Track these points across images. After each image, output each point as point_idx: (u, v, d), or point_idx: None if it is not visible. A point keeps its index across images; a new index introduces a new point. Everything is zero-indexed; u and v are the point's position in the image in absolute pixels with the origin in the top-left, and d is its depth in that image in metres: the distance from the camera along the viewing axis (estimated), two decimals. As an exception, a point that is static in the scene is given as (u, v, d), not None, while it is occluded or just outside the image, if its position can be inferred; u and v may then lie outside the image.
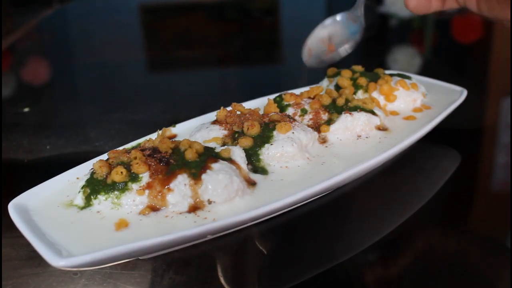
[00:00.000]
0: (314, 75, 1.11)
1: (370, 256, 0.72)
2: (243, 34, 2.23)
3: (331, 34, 0.94)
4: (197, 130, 0.86)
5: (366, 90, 0.99)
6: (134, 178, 0.68)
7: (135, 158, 0.70)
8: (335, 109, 0.89)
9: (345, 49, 0.93)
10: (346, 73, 1.03)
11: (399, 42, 2.00)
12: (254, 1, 2.85)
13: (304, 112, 0.90)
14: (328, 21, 0.95)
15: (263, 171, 0.77)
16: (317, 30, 0.96)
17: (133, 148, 0.76)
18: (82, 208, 0.69)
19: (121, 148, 0.81)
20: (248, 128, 0.80)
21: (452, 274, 0.69)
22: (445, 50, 1.80)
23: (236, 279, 0.68)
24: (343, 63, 1.04)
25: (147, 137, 0.85)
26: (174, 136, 0.91)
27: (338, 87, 1.00)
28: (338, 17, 0.95)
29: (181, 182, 0.68)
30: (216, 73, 1.75)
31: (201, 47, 2.05)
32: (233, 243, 0.73)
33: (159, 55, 2.00)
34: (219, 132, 0.83)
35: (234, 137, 0.82)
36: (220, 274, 0.68)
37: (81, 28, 2.49)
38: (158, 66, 1.87)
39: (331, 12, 0.95)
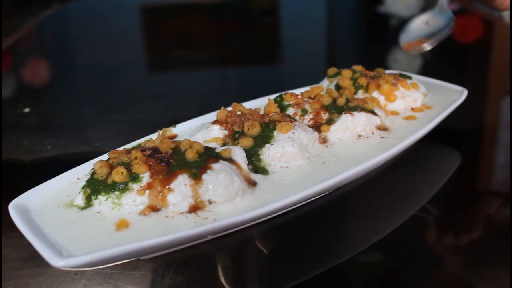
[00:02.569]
0: (314, 75, 1.11)
1: (370, 256, 0.72)
2: (243, 34, 2.23)
3: (425, 25, 0.99)
4: (198, 130, 0.86)
5: (366, 90, 0.99)
6: (135, 178, 0.68)
7: (136, 158, 0.70)
8: (336, 109, 0.89)
9: (437, 40, 0.97)
10: (347, 73, 1.03)
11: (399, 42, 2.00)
12: (254, 1, 2.85)
13: (304, 112, 0.90)
14: (423, 16, 1.01)
15: (263, 171, 0.77)
16: (415, 22, 1.02)
17: (133, 148, 0.76)
18: (83, 208, 0.69)
19: (121, 148, 0.81)
20: (248, 128, 0.80)
21: (451, 275, 0.69)
22: (445, 50, 1.80)
23: (237, 279, 0.68)
24: (343, 63, 1.04)
25: (148, 137, 0.85)
26: (175, 136, 0.91)
27: (338, 87, 1.00)
28: (428, 14, 1.01)
29: (182, 182, 0.68)
30: (216, 73, 1.75)
31: (201, 47, 2.05)
32: (234, 243, 0.73)
33: (159, 55, 2.00)
34: (220, 132, 0.84)
35: (234, 137, 0.82)
36: (220, 274, 0.68)
37: (81, 28, 2.49)
38: (158, 66, 1.87)
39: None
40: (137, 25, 2.52)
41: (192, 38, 2.19)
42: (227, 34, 2.27)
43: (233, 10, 2.73)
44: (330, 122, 0.88)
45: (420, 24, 1.01)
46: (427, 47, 0.98)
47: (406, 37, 1.01)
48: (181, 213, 0.67)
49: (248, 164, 0.77)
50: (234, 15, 2.64)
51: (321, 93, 0.95)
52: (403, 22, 2.12)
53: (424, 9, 2.32)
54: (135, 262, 0.70)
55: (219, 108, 0.88)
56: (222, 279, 0.67)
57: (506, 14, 2.09)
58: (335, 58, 1.88)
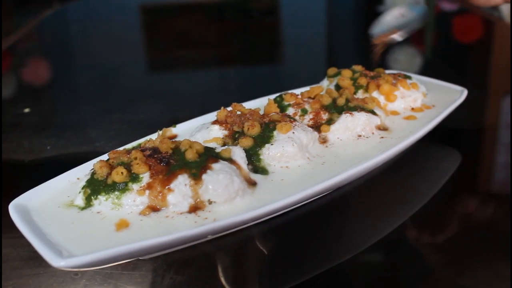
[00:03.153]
0: (314, 75, 1.11)
1: (370, 256, 0.72)
2: (243, 34, 2.23)
3: (399, 17, 0.98)
4: (198, 130, 0.86)
5: (366, 90, 0.99)
6: (135, 178, 0.68)
7: (136, 158, 0.70)
8: (336, 109, 0.89)
9: (408, 31, 0.96)
10: (347, 73, 1.03)
11: (399, 42, 2.00)
12: (254, 1, 2.85)
13: (304, 112, 0.90)
14: (396, 9, 1.00)
15: (263, 171, 0.77)
16: (387, 15, 1.00)
17: (133, 148, 0.76)
18: (83, 208, 0.69)
19: (121, 148, 0.81)
20: (248, 128, 0.80)
21: (452, 274, 0.69)
22: (445, 50, 1.80)
23: (237, 279, 0.68)
24: (343, 63, 1.04)
25: (148, 138, 0.85)
26: (175, 136, 0.91)
27: (338, 87, 1.00)
28: (402, 8, 1.00)
29: (182, 182, 0.68)
30: (216, 73, 1.75)
31: (201, 47, 2.05)
32: (234, 243, 0.73)
33: (159, 55, 2.01)
34: (220, 132, 0.84)
35: (234, 137, 0.82)
36: (220, 274, 0.68)
37: (81, 29, 2.49)
38: (158, 66, 1.87)
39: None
40: (137, 25, 2.52)
41: (192, 38, 2.19)
42: (227, 34, 2.27)
43: (233, 10, 2.73)
44: (330, 122, 0.88)
45: (392, 17, 1.01)
46: (397, 38, 0.98)
47: (378, 29, 1.01)
48: (181, 213, 0.67)
49: (248, 164, 0.77)
50: (234, 15, 2.64)
51: (321, 93, 0.95)
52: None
53: (424, 8, 2.32)
54: (135, 262, 0.70)
55: (219, 108, 0.88)
56: (222, 279, 0.67)
57: (506, 14, 2.09)
58: (335, 58, 1.88)
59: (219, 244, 0.72)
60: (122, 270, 0.69)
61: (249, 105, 0.97)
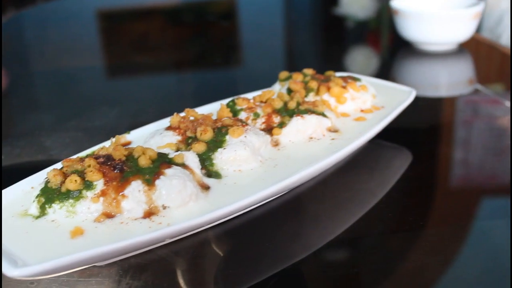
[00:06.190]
0: (273, 78, 1.12)
1: (324, 255, 0.74)
2: (201, 38, 2.23)
3: None
4: (151, 136, 0.87)
5: (317, 93, 1.01)
6: (89, 186, 0.69)
7: (89, 166, 0.70)
8: (287, 112, 0.91)
9: None
10: (297, 76, 1.05)
11: (355, 43, 2.04)
12: (211, 5, 2.85)
13: (256, 116, 0.92)
14: None
15: (216, 175, 0.78)
16: None
17: (87, 156, 0.76)
18: (37, 217, 0.69)
19: (75, 156, 0.81)
20: (201, 133, 0.82)
21: (403, 272, 0.72)
22: (399, 51, 1.84)
23: (193, 282, 0.70)
24: (301, 65, 1.06)
25: (101, 145, 0.85)
26: (129, 143, 0.91)
27: (290, 91, 1.01)
28: None
29: (135, 188, 0.68)
30: (174, 78, 1.75)
31: (159, 52, 2.04)
32: (190, 247, 0.74)
33: (116, 61, 1.99)
34: (173, 137, 0.85)
35: (187, 142, 0.83)
36: (177, 277, 0.69)
37: (37, 35, 2.45)
38: (115, 72, 1.86)
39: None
40: (94, 31, 2.49)
41: (150, 43, 2.18)
42: (185, 38, 2.27)
43: (190, 14, 2.73)
44: (281, 125, 0.89)
45: None
46: None
47: None
48: (135, 219, 0.68)
49: (201, 169, 0.78)
50: (191, 19, 2.64)
51: (273, 97, 0.96)
52: (359, 23, 2.18)
53: (378, 10, 2.37)
54: (91, 269, 0.70)
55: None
56: (179, 282, 0.68)
57: (505, 17, 2.10)
58: (294, 61, 1.90)
59: (175, 248, 0.73)
60: (78, 277, 0.69)
61: (202, 110, 0.99)
